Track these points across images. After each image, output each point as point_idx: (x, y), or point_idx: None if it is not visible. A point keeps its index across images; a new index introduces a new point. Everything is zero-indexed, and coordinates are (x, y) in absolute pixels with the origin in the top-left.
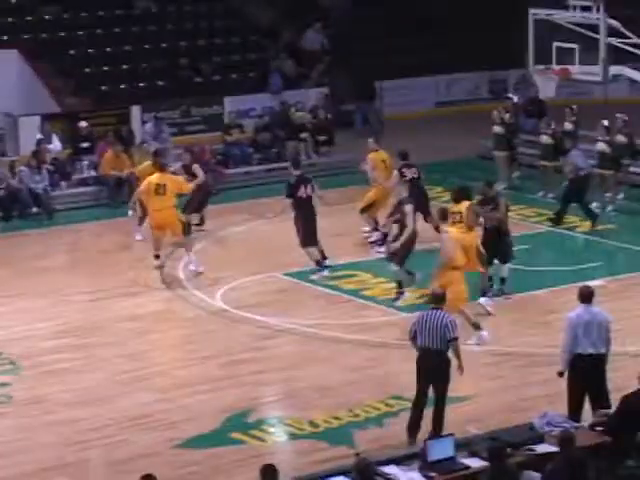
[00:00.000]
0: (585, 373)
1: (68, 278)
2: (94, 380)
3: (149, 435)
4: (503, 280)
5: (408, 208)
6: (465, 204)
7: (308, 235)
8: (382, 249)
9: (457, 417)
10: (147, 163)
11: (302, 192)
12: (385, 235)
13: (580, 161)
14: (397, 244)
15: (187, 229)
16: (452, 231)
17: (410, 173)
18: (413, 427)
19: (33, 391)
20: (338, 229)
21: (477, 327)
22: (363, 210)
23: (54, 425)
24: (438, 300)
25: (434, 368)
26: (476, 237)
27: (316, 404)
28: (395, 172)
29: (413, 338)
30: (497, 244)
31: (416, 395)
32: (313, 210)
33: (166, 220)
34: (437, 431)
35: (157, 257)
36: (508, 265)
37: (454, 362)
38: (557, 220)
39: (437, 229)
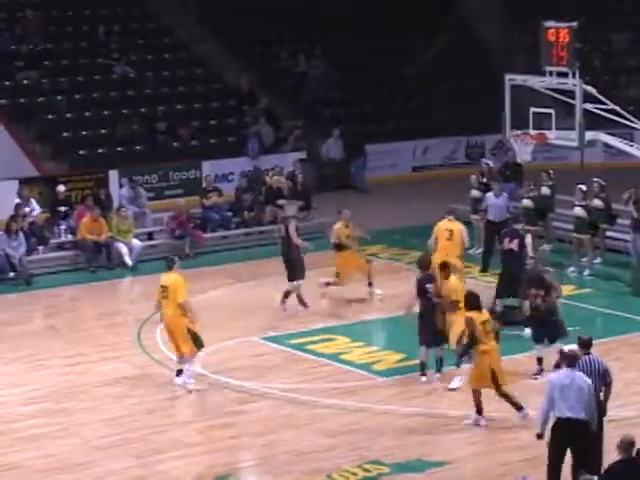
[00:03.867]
0: (564, 437)
1: (45, 343)
2: (70, 446)
3: None
4: None
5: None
6: None
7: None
8: None
9: None
10: None
11: (506, 244)
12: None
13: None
14: None
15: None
16: None
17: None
18: None
19: (8, 457)
20: (317, 293)
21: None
22: None
23: None
24: (588, 345)
25: None
26: None
27: (293, 469)
28: None
29: None
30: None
31: None
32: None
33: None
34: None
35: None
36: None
37: None
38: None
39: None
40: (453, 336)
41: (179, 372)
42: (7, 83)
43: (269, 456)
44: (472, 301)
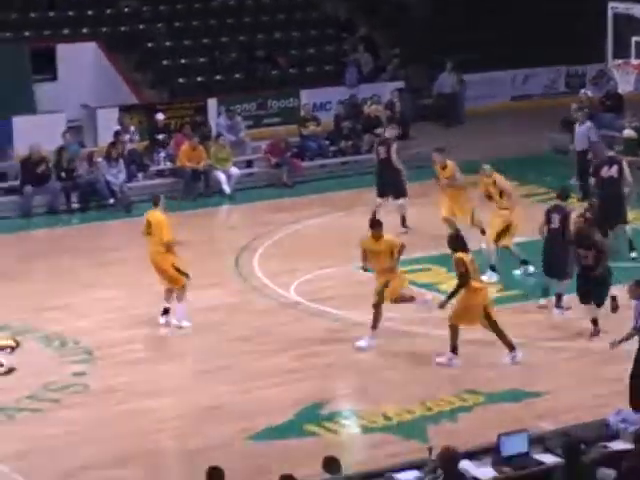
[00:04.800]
0: None
1: (144, 269)
2: (168, 371)
3: (221, 426)
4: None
5: None
6: None
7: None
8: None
9: (530, 413)
10: None
11: (605, 172)
12: None
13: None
14: None
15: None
16: None
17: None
18: None
19: (108, 381)
20: (413, 223)
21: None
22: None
23: (128, 415)
24: None
25: None
26: None
27: (389, 397)
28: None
29: None
30: None
31: None
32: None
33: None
34: None
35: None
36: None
37: None
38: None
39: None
40: (393, 292)
41: (165, 311)
42: (108, 11)
43: (364, 384)
44: (459, 242)
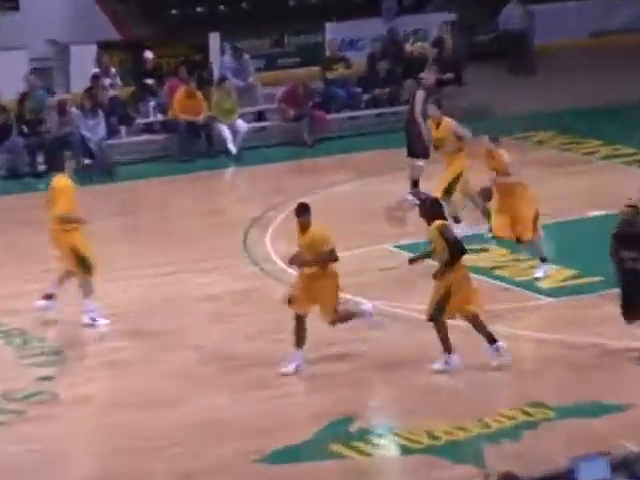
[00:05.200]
0: None
1: (126, 248)
2: (155, 375)
3: (222, 445)
4: None
5: None
6: None
7: None
8: None
9: (613, 430)
10: None
11: None
12: None
13: None
14: None
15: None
16: None
17: None
18: None
19: (81, 388)
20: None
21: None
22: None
23: (106, 430)
24: None
25: None
26: None
27: (435, 411)
28: None
29: None
30: None
31: None
32: None
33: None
34: None
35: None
36: None
37: None
38: None
39: None
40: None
41: (48, 296)
42: None
43: (404, 393)
44: (436, 208)
